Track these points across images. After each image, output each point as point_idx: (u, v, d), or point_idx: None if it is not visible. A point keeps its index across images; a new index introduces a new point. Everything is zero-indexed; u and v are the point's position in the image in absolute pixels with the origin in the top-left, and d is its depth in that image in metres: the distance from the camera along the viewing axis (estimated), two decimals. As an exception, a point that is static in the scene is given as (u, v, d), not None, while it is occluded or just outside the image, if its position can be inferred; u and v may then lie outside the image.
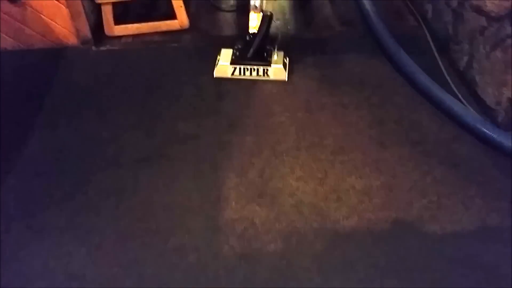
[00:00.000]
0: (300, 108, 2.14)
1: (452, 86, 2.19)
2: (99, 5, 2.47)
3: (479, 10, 2.09)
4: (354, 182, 1.81)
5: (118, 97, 2.22)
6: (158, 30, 2.59)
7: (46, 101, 2.20)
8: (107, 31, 2.54)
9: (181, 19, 2.58)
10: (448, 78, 2.24)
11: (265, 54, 2.27)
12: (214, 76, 2.29)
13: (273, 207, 1.72)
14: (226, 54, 2.32)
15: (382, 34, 2.44)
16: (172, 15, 2.57)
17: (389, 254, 1.56)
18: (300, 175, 1.84)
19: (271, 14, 2.22)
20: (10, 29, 2.43)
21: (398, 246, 1.59)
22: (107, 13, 2.48)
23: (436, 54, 2.39)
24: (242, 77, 2.27)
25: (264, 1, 2.45)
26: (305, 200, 1.74)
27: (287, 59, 2.33)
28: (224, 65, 2.28)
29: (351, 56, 2.44)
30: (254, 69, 2.26)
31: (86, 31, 2.46)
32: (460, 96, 2.14)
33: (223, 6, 2.84)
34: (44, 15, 2.39)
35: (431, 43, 2.47)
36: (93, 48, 2.50)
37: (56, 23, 2.42)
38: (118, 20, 2.54)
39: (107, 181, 1.83)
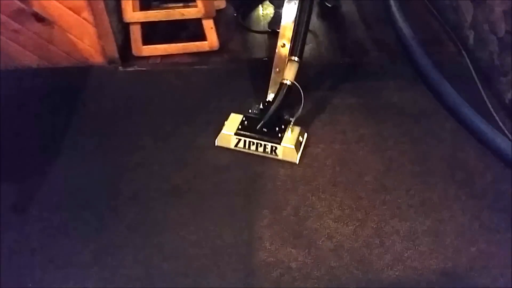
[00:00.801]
0: (336, 139, 2.03)
1: (498, 120, 2.07)
2: (128, 24, 2.39)
3: (530, 41, 1.97)
4: (398, 226, 1.68)
5: (146, 121, 2.14)
6: (187, 51, 2.51)
7: (70, 124, 2.12)
8: (135, 51, 2.46)
9: (211, 41, 2.49)
10: (492, 111, 2.11)
11: (278, 128, 1.95)
12: (216, 144, 2.00)
13: (310, 250, 1.61)
14: (233, 120, 2.01)
15: (422, 61, 2.34)
16: (201, 36, 2.49)
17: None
18: (338, 215, 1.72)
19: (292, 84, 1.91)
20: (36, 47, 2.38)
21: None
22: (136, 33, 2.41)
23: (479, 84, 2.27)
24: (246, 150, 1.96)
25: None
26: (345, 245, 1.62)
27: (304, 136, 2.00)
28: (228, 134, 1.97)
29: (389, 83, 2.32)
30: (261, 145, 1.93)
31: (113, 51, 2.39)
32: (506, 131, 2.01)
33: (254, 27, 2.75)
34: (71, 34, 2.33)
35: (473, 73, 2.35)
36: (120, 68, 2.43)
37: (83, 42, 2.36)
38: (146, 40, 2.46)
39: (133, 214, 1.74)
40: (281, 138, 1.92)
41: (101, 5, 2.20)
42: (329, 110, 2.18)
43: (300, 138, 1.97)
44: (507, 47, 2.14)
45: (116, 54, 2.41)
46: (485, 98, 2.19)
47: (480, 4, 2.38)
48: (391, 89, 2.28)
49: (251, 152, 1.95)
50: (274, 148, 1.92)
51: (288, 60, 1.93)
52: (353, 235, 1.66)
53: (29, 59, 2.41)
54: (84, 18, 2.25)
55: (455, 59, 2.48)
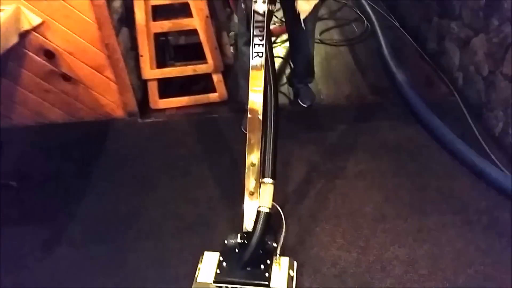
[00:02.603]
0: (337, 175, 2.19)
1: (489, 151, 2.21)
2: (145, 81, 2.66)
3: (511, 79, 2.15)
4: (397, 252, 1.80)
5: (163, 167, 2.32)
6: (199, 102, 2.75)
7: (94, 170, 2.32)
8: (152, 104, 2.71)
9: (220, 92, 2.73)
10: (483, 144, 2.26)
11: (263, 266, 1.63)
12: None
13: (315, 277, 1.72)
14: (209, 262, 1.69)
15: (415, 102, 2.54)
16: (211, 89, 2.74)
17: (439, 328, 1.52)
18: (341, 244, 1.85)
19: (270, 211, 1.61)
20: (63, 104, 2.63)
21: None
22: (153, 88, 2.67)
23: (470, 120, 2.44)
24: None
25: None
26: (348, 270, 1.74)
27: (294, 269, 1.70)
28: (205, 283, 1.63)
29: (385, 123, 2.50)
30: None
31: (133, 105, 2.64)
32: (497, 162, 2.15)
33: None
34: (94, 91, 2.58)
35: (464, 110, 2.52)
36: (139, 120, 2.66)
37: (105, 98, 2.61)
38: (162, 94, 2.71)
39: (152, 250, 1.88)
40: (269, 278, 1.61)
41: (122, 64, 2.47)
42: (330, 148, 2.36)
43: (291, 272, 1.67)
44: (492, 85, 2.33)
45: (135, 108, 2.65)
46: (476, 133, 2.35)
47: (464, 49, 2.60)
48: (387, 128, 2.46)
49: None
50: None
51: (261, 183, 1.66)
52: (355, 261, 1.78)
53: (57, 115, 2.66)
54: (106, 77, 2.52)
55: (447, 99, 2.67)
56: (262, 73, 1.70)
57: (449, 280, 1.68)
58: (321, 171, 2.22)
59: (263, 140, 1.69)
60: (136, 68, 2.64)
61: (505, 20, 2.18)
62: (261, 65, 1.70)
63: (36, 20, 2.29)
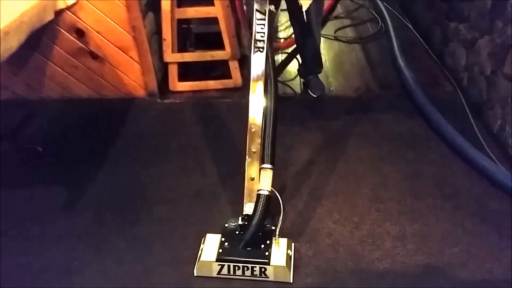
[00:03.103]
0: (339, 159, 2.33)
1: (486, 147, 2.33)
2: (167, 63, 2.84)
3: (510, 78, 2.26)
4: (389, 228, 1.93)
5: (178, 143, 2.50)
6: (215, 87, 2.93)
7: (114, 143, 2.50)
8: (171, 87, 2.89)
9: (236, 79, 2.90)
10: (481, 139, 2.38)
11: (263, 246, 1.74)
12: (195, 274, 1.74)
13: (310, 245, 1.87)
14: (211, 243, 1.79)
15: (419, 97, 2.67)
16: (227, 75, 2.91)
17: (420, 295, 1.66)
18: (337, 218, 1.99)
19: (269, 194, 1.74)
20: (88, 80, 2.82)
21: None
22: (173, 71, 2.85)
23: (470, 117, 2.56)
24: (232, 277, 1.73)
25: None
26: (341, 241, 1.88)
27: (292, 249, 1.80)
28: (208, 261, 1.73)
29: (389, 116, 2.64)
30: (247, 268, 1.70)
31: (154, 86, 2.82)
32: (492, 156, 2.26)
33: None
34: (119, 70, 2.77)
35: (466, 107, 2.64)
36: (158, 100, 2.85)
37: (128, 77, 2.80)
38: (181, 78, 2.89)
39: (163, 212, 2.05)
40: (269, 257, 1.71)
41: (146, 46, 2.66)
42: (335, 135, 2.51)
43: (289, 252, 1.77)
44: (493, 84, 2.45)
45: (155, 88, 2.84)
46: (475, 127, 2.47)
47: (471, 50, 2.72)
48: (391, 120, 2.60)
49: (236, 277, 1.73)
50: (263, 269, 1.70)
51: (261, 168, 1.78)
52: (349, 234, 1.92)
53: (82, 91, 2.86)
54: (131, 57, 2.71)
55: (451, 97, 2.79)
56: (263, 67, 1.87)
57: (434, 256, 1.81)
58: (323, 154, 2.36)
59: (263, 129, 1.83)
60: (158, 51, 2.83)
61: (508, 22, 2.30)
62: (262, 59, 1.86)
63: (71, 0, 2.49)
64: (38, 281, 1.75)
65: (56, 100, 2.87)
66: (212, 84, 2.93)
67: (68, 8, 2.52)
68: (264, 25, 1.87)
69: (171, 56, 2.79)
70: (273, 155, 1.80)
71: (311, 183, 2.18)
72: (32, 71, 2.77)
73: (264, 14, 1.88)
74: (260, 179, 1.77)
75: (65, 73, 2.79)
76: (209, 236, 1.83)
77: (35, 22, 2.21)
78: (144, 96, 2.87)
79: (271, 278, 1.72)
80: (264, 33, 1.86)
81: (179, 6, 2.68)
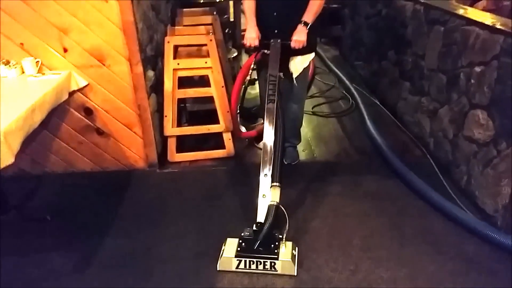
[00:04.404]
0: (329, 215, 2.57)
1: (457, 200, 2.64)
2: (166, 137, 3.12)
3: (470, 139, 2.65)
4: (382, 273, 2.14)
5: (179, 210, 2.69)
6: (210, 157, 3.20)
7: (119, 214, 2.67)
8: (170, 158, 3.14)
9: (229, 149, 3.19)
10: (452, 193, 2.70)
11: (273, 246, 2.18)
12: (218, 269, 2.17)
13: (314, 292, 2.05)
14: (231, 245, 2.23)
15: (393, 161, 3.00)
16: (221, 145, 3.20)
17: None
18: (334, 267, 2.19)
19: (278, 204, 2.18)
20: (92, 154, 3.04)
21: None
22: (171, 144, 3.12)
23: (440, 176, 2.90)
24: (247, 270, 2.16)
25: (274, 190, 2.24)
26: (341, 287, 2.07)
27: (296, 250, 2.24)
28: (229, 257, 2.17)
29: (369, 177, 2.95)
30: (260, 263, 2.14)
31: (154, 157, 3.07)
32: (462, 206, 2.57)
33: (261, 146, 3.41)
34: (123, 144, 3.02)
35: (435, 168, 3.00)
36: (157, 170, 3.08)
37: (131, 150, 3.04)
38: (178, 148, 3.16)
39: (169, 272, 2.19)
40: (277, 254, 2.14)
41: (149, 122, 2.94)
42: (322, 196, 2.76)
43: (294, 252, 2.21)
44: (456, 146, 2.82)
45: (155, 160, 3.08)
46: (445, 184, 2.79)
47: (434, 118, 3.15)
48: (370, 180, 2.91)
49: (251, 271, 2.16)
50: (273, 264, 2.13)
51: (271, 186, 2.22)
52: (346, 280, 2.11)
53: (86, 165, 3.06)
54: (135, 132, 2.97)
55: (421, 160, 3.15)
56: (274, 113, 2.43)
57: (425, 295, 2.02)
58: (315, 212, 2.61)
59: (273, 157, 2.31)
60: (159, 126, 3.11)
61: (462, 93, 2.74)
62: (273, 107, 2.45)
63: (83, 83, 2.79)
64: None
65: (59, 174, 3.05)
66: (206, 154, 3.21)
67: (80, 89, 2.81)
68: (275, 84, 2.51)
69: (171, 131, 3.08)
70: (281, 176, 2.27)
71: (306, 237, 2.39)
72: (38, 147, 2.97)
73: (275, 77, 2.54)
74: (270, 194, 2.21)
75: (70, 148, 3.01)
76: (229, 240, 2.27)
77: (54, 102, 2.49)
78: (144, 167, 3.09)
79: (279, 271, 2.14)
80: (274, 90, 2.50)
81: (179, 87, 3.03)
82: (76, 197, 2.86)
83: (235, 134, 3.26)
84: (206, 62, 2.97)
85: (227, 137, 3.16)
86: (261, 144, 3.00)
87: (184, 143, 3.27)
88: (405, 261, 2.22)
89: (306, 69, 2.88)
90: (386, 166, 3.05)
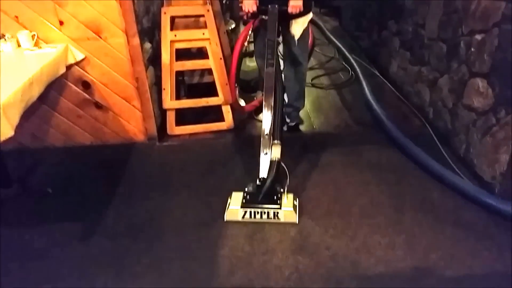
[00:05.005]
0: (330, 184, 2.60)
1: (455, 168, 2.66)
2: (165, 110, 3.11)
3: (469, 108, 2.64)
4: (379, 239, 2.17)
5: (179, 181, 2.71)
6: (209, 130, 3.20)
7: (120, 185, 2.69)
8: (169, 131, 3.15)
9: (228, 122, 3.19)
10: (451, 162, 2.71)
11: (275, 197, 2.32)
12: (225, 220, 2.32)
13: (312, 257, 2.08)
14: (236, 198, 2.37)
15: (393, 131, 3.01)
16: (220, 118, 3.20)
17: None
18: (333, 234, 2.22)
19: (279, 160, 2.30)
20: (91, 128, 3.05)
21: (419, 287, 1.92)
22: (171, 117, 3.12)
23: (439, 145, 2.91)
24: (252, 220, 2.30)
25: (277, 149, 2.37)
26: (339, 252, 2.10)
27: (297, 200, 2.39)
28: (235, 209, 2.32)
29: (369, 147, 2.96)
30: (264, 212, 2.28)
31: (153, 131, 3.07)
32: (461, 174, 2.59)
33: (260, 118, 3.42)
34: (121, 118, 3.02)
35: (434, 137, 3.00)
36: (157, 143, 3.09)
37: (130, 124, 3.04)
38: (178, 122, 3.16)
39: (173, 240, 2.23)
40: (280, 204, 2.30)
41: (148, 95, 2.93)
42: (324, 165, 2.78)
43: (295, 202, 2.37)
44: (455, 115, 2.82)
45: (155, 133, 3.08)
46: (444, 153, 2.80)
47: (433, 88, 3.13)
48: (370, 151, 2.92)
49: (256, 220, 2.30)
50: (276, 213, 2.28)
51: (272, 144, 2.37)
52: (345, 246, 2.14)
53: (86, 138, 3.07)
54: (133, 106, 2.97)
55: (420, 130, 3.15)
56: (273, 76, 2.51)
57: (422, 260, 2.05)
58: (315, 181, 2.63)
59: (272, 118, 2.44)
60: (157, 100, 3.10)
61: (461, 62, 2.72)
62: (272, 71, 2.53)
63: (79, 56, 2.77)
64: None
65: (59, 148, 3.06)
66: (206, 127, 3.21)
67: (77, 63, 2.79)
68: (273, 48, 2.59)
69: (170, 104, 3.07)
70: (281, 133, 2.42)
71: (306, 205, 2.42)
72: (38, 121, 2.97)
73: (274, 42, 2.61)
74: (271, 151, 2.35)
75: (69, 122, 3.01)
76: (234, 193, 2.42)
77: (51, 75, 2.48)
78: (144, 141, 3.10)
79: (282, 220, 2.28)
80: (273, 54, 2.57)
81: (176, 59, 3.00)
82: (77, 170, 2.88)
83: (235, 107, 3.26)
84: (203, 34, 2.94)
85: (226, 110, 3.16)
86: (260, 116, 3.07)
87: (184, 117, 3.27)
88: (404, 227, 2.25)
89: (306, 31, 2.91)
90: (385, 136, 3.05)
